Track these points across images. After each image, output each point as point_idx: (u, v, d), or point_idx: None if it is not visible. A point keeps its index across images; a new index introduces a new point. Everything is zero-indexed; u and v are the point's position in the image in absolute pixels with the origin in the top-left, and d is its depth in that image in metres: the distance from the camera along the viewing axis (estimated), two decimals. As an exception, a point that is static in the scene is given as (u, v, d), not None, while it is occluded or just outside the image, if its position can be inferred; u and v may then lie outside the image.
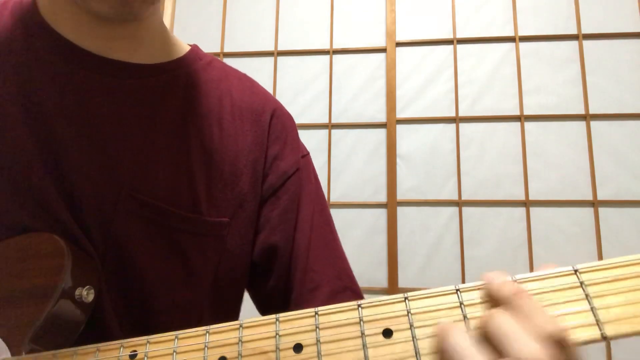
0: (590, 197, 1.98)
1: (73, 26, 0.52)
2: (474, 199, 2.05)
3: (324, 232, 0.62)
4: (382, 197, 2.11)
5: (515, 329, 0.29)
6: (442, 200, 2.07)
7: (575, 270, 0.32)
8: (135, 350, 0.39)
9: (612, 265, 0.31)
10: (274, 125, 0.62)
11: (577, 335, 0.29)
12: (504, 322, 0.29)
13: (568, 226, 1.97)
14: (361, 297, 0.61)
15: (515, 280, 0.32)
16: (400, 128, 2.16)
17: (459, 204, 2.06)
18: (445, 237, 2.04)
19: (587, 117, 2.04)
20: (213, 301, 0.57)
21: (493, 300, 0.32)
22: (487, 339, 0.30)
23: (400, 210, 2.09)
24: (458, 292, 0.33)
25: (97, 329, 0.48)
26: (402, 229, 2.07)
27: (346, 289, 0.59)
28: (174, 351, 0.38)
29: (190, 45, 0.62)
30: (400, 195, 2.10)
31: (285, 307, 0.59)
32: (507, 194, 2.04)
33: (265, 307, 0.63)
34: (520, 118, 2.08)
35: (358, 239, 2.09)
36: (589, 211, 1.98)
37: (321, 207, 0.64)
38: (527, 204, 2.01)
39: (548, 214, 2.00)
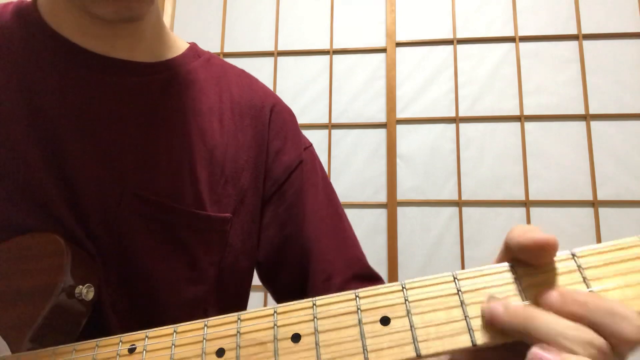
0: (590, 197, 1.98)
1: (74, 27, 0.52)
2: (474, 199, 2.05)
3: (333, 221, 0.63)
4: (382, 197, 2.11)
5: (614, 304, 0.29)
6: (442, 200, 2.07)
7: (573, 255, 0.32)
8: (134, 344, 0.39)
9: (609, 248, 0.31)
10: (273, 120, 0.63)
11: None
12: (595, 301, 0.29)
13: (568, 226, 1.97)
14: (376, 279, 0.63)
15: (512, 266, 0.32)
16: (400, 128, 2.16)
17: (459, 204, 2.06)
18: (445, 237, 2.04)
19: (587, 117, 2.04)
20: (218, 297, 0.58)
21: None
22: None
23: (400, 210, 2.09)
24: (455, 279, 0.33)
25: (98, 327, 0.48)
26: (402, 229, 2.07)
27: (356, 277, 0.60)
28: (172, 344, 0.38)
29: (188, 43, 0.63)
30: (400, 195, 2.10)
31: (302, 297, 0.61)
32: (507, 194, 2.04)
33: (284, 300, 0.64)
34: (520, 118, 2.08)
35: (358, 239, 2.08)
36: (589, 211, 1.97)
37: (329, 197, 0.64)
38: (527, 204, 2.01)
39: (548, 214, 2.00)
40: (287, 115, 0.66)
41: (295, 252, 0.60)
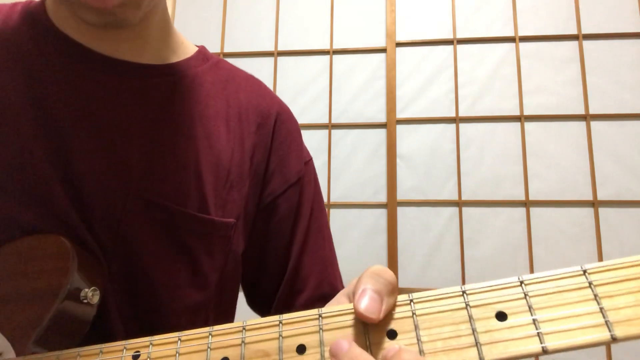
0: (590, 197, 1.98)
1: (80, 29, 0.52)
2: (474, 199, 2.05)
3: (316, 240, 0.63)
4: (382, 197, 2.11)
5: None
6: (442, 200, 2.07)
7: (584, 271, 0.31)
8: (138, 351, 0.39)
9: (621, 265, 0.31)
10: (278, 130, 0.63)
11: (586, 336, 0.29)
12: None
13: (568, 226, 1.97)
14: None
15: (522, 282, 0.32)
16: (400, 128, 2.16)
17: (459, 204, 2.06)
18: (445, 237, 2.04)
19: (587, 117, 2.04)
20: (218, 301, 0.58)
21: None
22: None
23: (400, 210, 2.09)
24: (464, 294, 0.33)
25: (103, 331, 0.48)
26: (402, 229, 2.07)
27: (323, 297, 0.61)
28: (176, 352, 0.38)
29: (197, 46, 0.62)
30: (400, 195, 2.10)
31: (270, 305, 0.62)
32: (507, 194, 2.04)
33: (255, 303, 0.66)
34: (520, 118, 2.08)
35: (358, 239, 2.09)
36: (589, 211, 1.98)
37: (318, 213, 0.65)
38: (527, 204, 2.01)
39: (548, 214, 2.00)
40: (291, 125, 0.65)
41: (277, 264, 0.61)
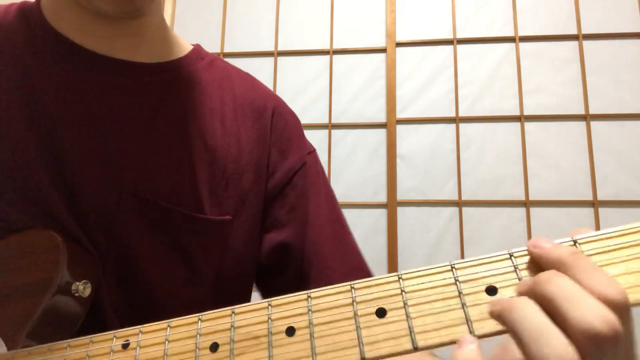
0: (590, 197, 1.97)
1: (75, 26, 0.52)
2: (474, 199, 2.05)
3: (335, 228, 0.62)
4: (382, 197, 2.11)
5: (577, 290, 0.27)
6: (442, 200, 2.07)
7: (575, 241, 0.31)
8: (127, 340, 0.39)
9: (611, 234, 0.31)
10: (275, 123, 0.62)
11: None
12: (563, 284, 0.27)
13: (568, 226, 1.96)
14: None
15: (512, 254, 0.32)
16: (400, 128, 2.16)
17: (459, 204, 2.05)
18: (445, 237, 2.04)
19: (587, 117, 2.03)
20: (217, 299, 0.57)
21: (546, 264, 0.30)
22: (544, 303, 0.28)
23: (400, 210, 2.09)
24: (453, 269, 0.32)
25: (97, 327, 0.48)
26: (402, 229, 2.07)
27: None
28: (166, 339, 0.37)
29: (192, 45, 0.62)
30: (400, 195, 2.10)
31: None
32: (507, 194, 2.03)
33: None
34: (520, 118, 2.08)
35: (358, 239, 2.04)
36: (589, 211, 1.97)
37: (331, 203, 0.64)
38: (527, 204, 2.01)
39: (548, 214, 1.99)
40: (290, 117, 0.65)
41: (296, 257, 0.59)
